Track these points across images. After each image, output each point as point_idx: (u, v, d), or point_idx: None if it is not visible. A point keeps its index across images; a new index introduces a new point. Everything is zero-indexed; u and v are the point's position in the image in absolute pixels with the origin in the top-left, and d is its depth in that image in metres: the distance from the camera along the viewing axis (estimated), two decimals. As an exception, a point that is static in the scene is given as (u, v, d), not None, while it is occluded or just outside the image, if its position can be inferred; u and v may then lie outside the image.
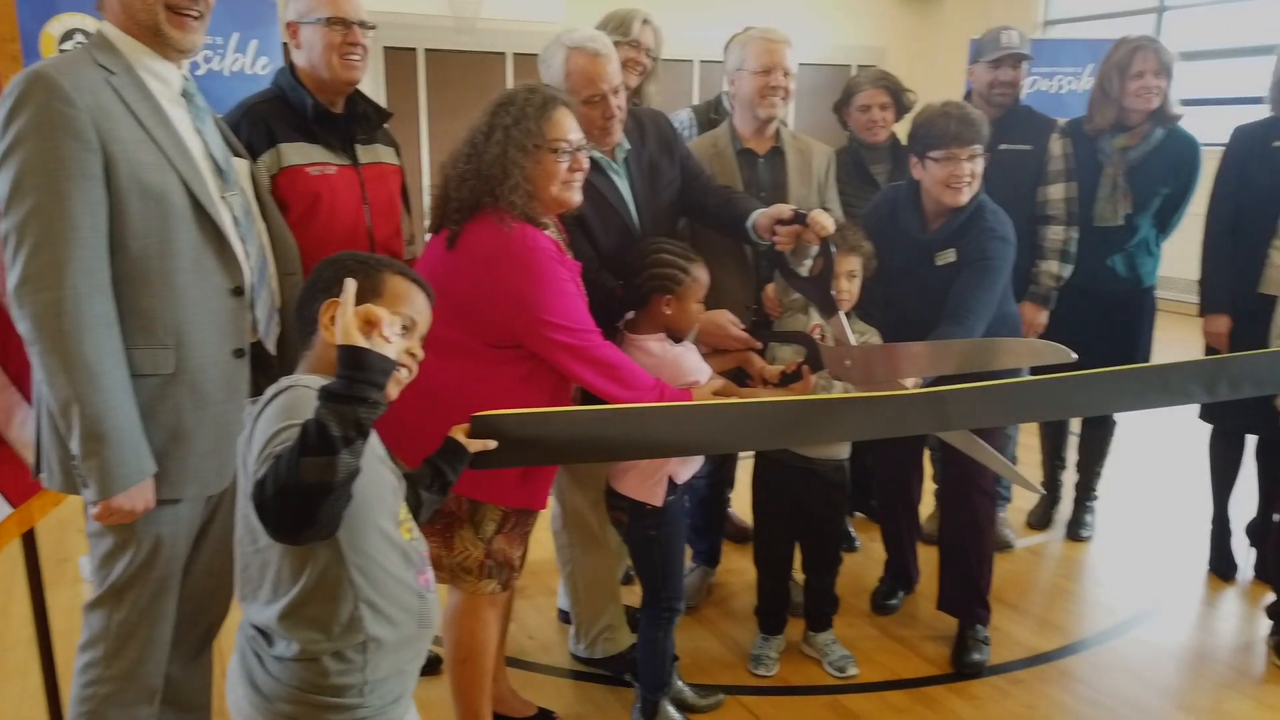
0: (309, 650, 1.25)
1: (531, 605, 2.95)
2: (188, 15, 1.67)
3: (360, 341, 1.15)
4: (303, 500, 1.09)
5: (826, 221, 2.13)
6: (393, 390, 1.31)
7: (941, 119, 2.36)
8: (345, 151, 2.17)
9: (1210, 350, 2.95)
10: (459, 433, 1.54)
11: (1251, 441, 3.03)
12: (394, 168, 2.31)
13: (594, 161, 2.22)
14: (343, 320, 1.16)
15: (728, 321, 2.30)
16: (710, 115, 3.14)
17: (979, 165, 2.38)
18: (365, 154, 2.22)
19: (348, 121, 2.19)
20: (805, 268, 2.28)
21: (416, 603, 1.35)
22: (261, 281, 1.78)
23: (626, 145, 2.33)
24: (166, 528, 1.70)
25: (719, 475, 3.01)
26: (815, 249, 2.21)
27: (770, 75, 2.55)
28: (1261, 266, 2.82)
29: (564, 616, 2.80)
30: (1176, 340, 3.53)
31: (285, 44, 2.18)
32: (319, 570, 1.24)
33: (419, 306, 1.42)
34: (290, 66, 2.18)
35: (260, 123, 2.09)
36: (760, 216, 2.26)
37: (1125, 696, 2.46)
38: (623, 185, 2.33)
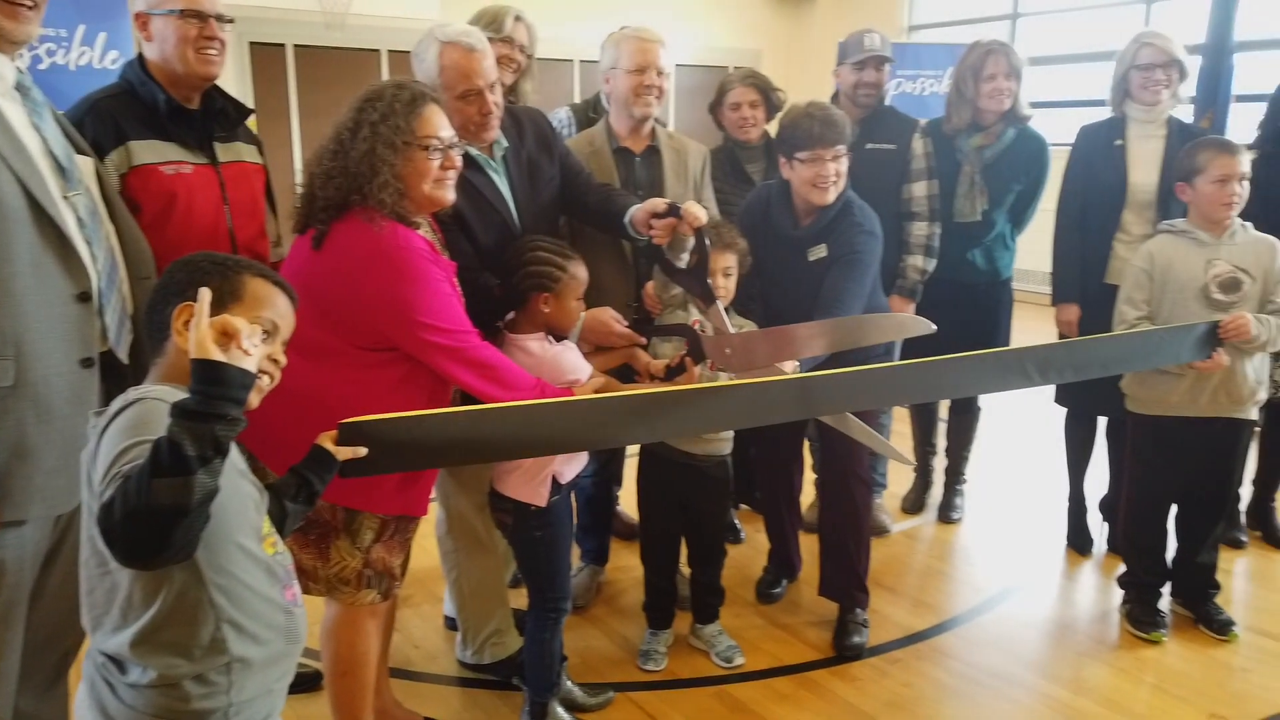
0: (167, 675, 1.18)
1: (416, 613, 2.89)
2: (20, 4, 1.56)
3: (217, 355, 1.08)
4: (155, 524, 1.03)
5: (699, 212, 2.16)
6: (254, 399, 1.26)
7: (805, 120, 2.44)
8: (202, 150, 2.08)
9: (1062, 337, 3.13)
10: (326, 440, 1.48)
11: (1103, 423, 3.23)
12: (256, 166, 2.22)
13: (472, 159, 2.19)
14: (197, 332, 1.09)
15: (610, 319, 2.31)
16: (589, 114, 3.14)
17: (843, 165, 2.46)
18: (225, 152, 2.13)
19: (204, 118, 2.10)
20: (683, 261, 2.31)
21: (283, 619, 1.30)
22: (111, 286, 1.69)
23: (505, 143, 2.31)
24: (10, 551, 1.59)
25: (606, 473, 3.01)
26: (692, 242, 2.24)
27: (644, 74, 2.57)
28: (1106, 258, 3.02)
29: (450, 623, 2.75)
30: (1032, 329, 3.72)
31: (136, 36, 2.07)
32: (175, 593, 1.17)
33: (281, 310, 1.36)
34: (140, 59, 2.07)
35: (107, 119, 1.97)
36: (636, 211, 2.28)
37: (994, 669, 2.59)
38: (501, 183, 2.31)
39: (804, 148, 2.43)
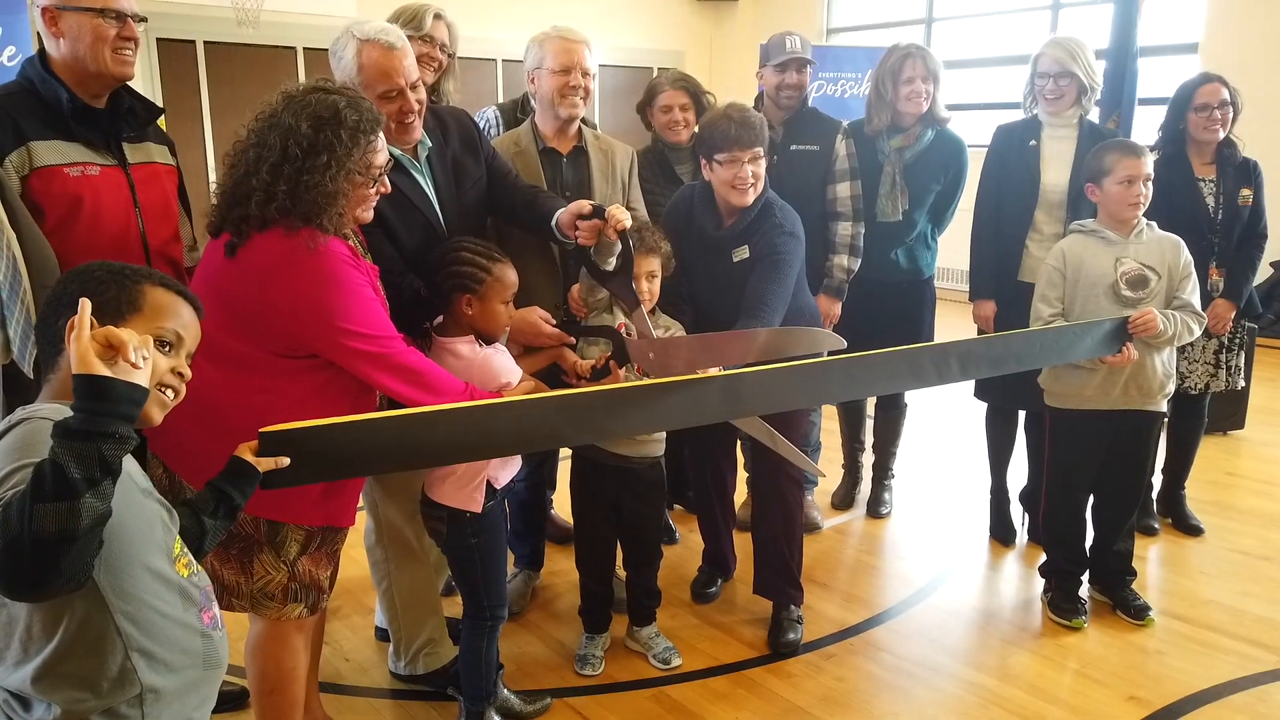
0: (74, 711, 1.12)
1: (347, 625, 2.82)
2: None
3: (100, 369, 1.02)
4: (40, 553, 0.97)
5: (623, 215, 2.16)
6: (156, 414, 1.20)
7: (723, 122, 2.45)
8: (110, 150, 2.00)
9: (980, 332, 3.22)
10: (246, 451, 1.42)
11: (1022, 416, 3.32)
12: (168, 168, 2.15)
13: (394, 159, 2.14)
14: (78, 345, 1.02)
15: (539, 319, 2.29)
16: (517, 114, 3.11)
17: (761, 166, 2.48)
18: (134, 153, 2.05)
19: (111, 118, 2.01)
20: (610, 264, 2.30)
21: (200, 644, 1.25)
22: (13, 296, 1.61)
23: (428, 143, 2.27)
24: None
25: (538, 477, 2.98)
26: (619, 245, 2.23)
27: (569, 75, 2.56)
28: (1020, 256, 3.11)
29: (382, 635, 2.69)
30: (952, 325, 3.82)
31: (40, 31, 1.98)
32: (78, 622, 1.11)
33: (185, 321, 1.29)
34: (41, 55, 1.97)
35: (6, 118, 1.88)
36: (562, 213, 2.26)
37: (925, 661, 2.64)
38: (425, 184, 2.27)
39: (721, 149, 2.45)
